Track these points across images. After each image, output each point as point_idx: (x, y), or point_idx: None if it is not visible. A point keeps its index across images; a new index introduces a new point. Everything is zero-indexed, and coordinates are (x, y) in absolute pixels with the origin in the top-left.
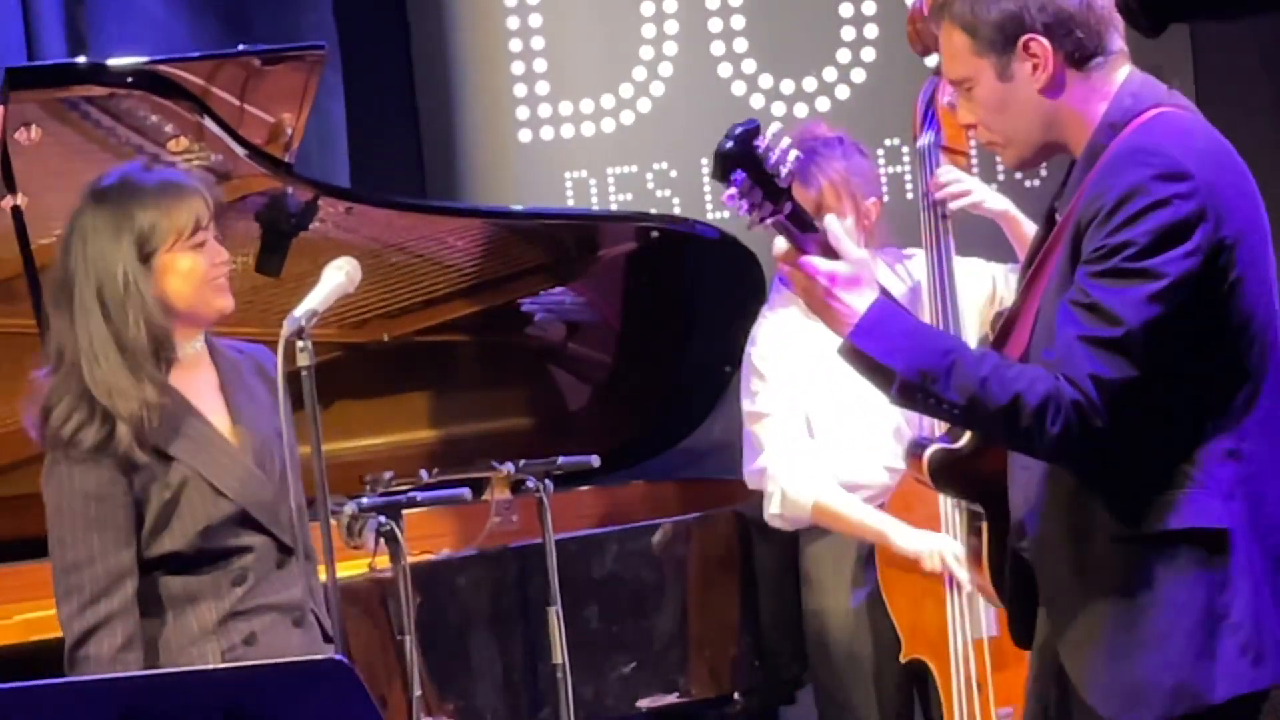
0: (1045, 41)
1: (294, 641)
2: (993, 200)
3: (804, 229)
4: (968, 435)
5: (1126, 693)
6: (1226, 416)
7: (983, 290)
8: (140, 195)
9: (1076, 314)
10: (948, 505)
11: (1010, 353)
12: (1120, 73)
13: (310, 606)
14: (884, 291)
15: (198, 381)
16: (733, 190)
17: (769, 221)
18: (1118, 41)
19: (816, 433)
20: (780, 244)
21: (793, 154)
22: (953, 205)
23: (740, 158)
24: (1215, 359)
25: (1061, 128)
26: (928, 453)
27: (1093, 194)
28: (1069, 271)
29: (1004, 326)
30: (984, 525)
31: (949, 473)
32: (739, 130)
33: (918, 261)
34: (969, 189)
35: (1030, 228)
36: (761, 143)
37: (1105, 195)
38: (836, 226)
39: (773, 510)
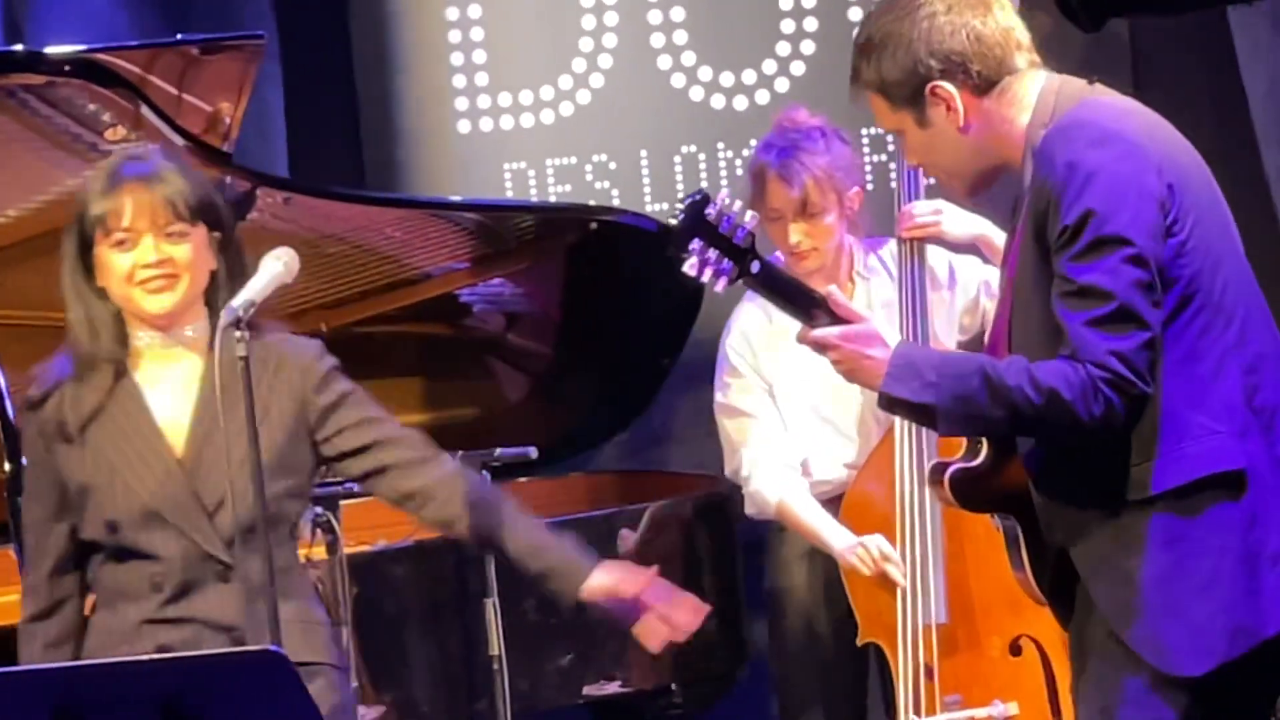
0: (947, 85)
1: None
2: (962, 226)
3: (779, 286)
4: (984, 451)
5: (1185, 644)
6: (1224, 358)
7: (970, 295)
8: (88, 184)
9: (1071, 304)
10: (902, 507)
11: (994, 352)
12: (1035, 81)
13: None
14: None
15: (163, 374)
16: (692, 260)
17: (739, 282)
18: (1021, 58)
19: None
20: (802, 330)
21: (748, 215)
22: (916, 234)
23: (693, 229)
24: (1196, 305)
25: (993, 151)
26: (948, 475)
27: (1037, 185)
28: (1038, 262)
29: (992, 333)
30: (1020, 534)
31: (972, 491)
32: (688, 201)
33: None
34: (936, 222)
35: None
36: (712, 210)
37: (1049, 180)
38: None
39: (747, 510)
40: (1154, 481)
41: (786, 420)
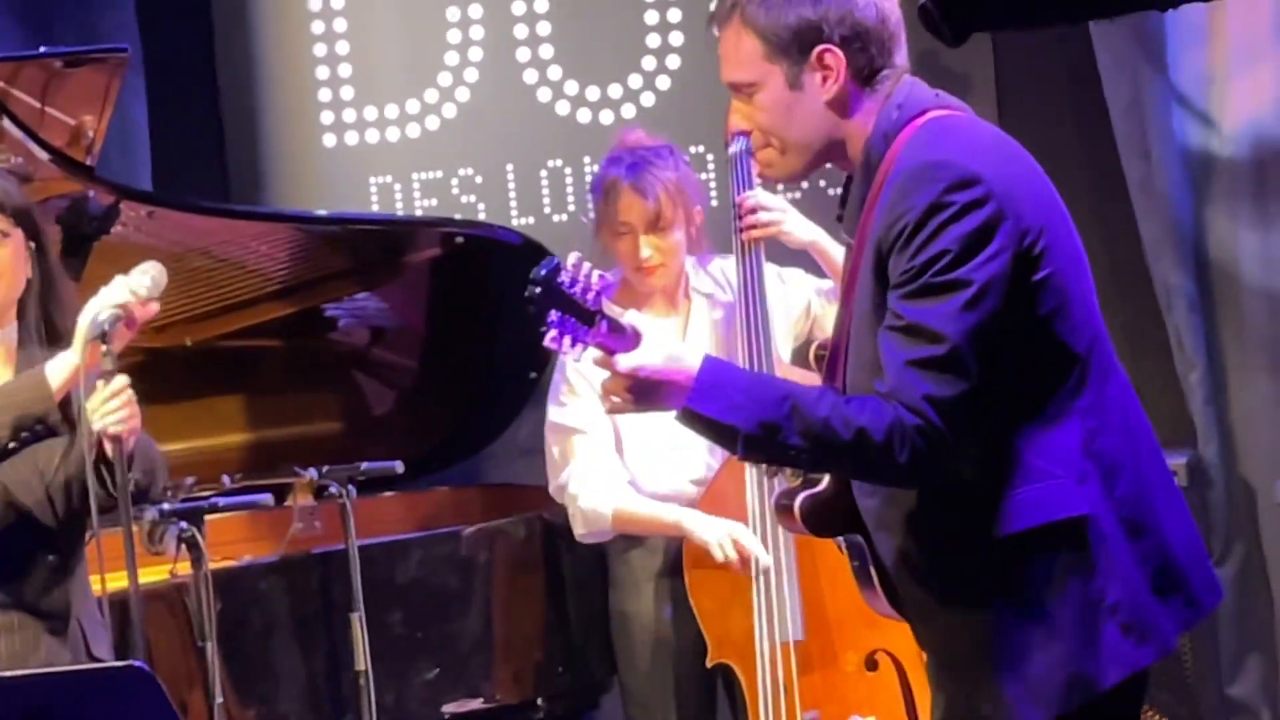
0: (840, 54)
1: (48, 653)
2: (801, 230)
3: (620, 337)
4: (826, 477)
5: (1024, 696)
6: (1063, 402)
7: (799, 303)
8: None
9: (896, 340)
10: (753, 525)
11: (836, 383)
12: (900, 86)
13: (79, 617)
14: None
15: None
16: (553, 332)
17: (591, 344)
18: (903, 56)
19: (626, 445)
20: (601, 358)
21: (595, 275)
22: (756, 235)
23: (549, 298)
24: (1041, 349)
25: (840, 141)
26: (798, 504)
27: (890, 217)
28: (876, 295)
29: (829, 359)
30: (867, 551)
31: (822, 516)
32: (541, 273)
33: (732, 265)
34: (777, 219)
35: (841, 254)
36: (566, 277)
37: (905, 217)
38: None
39: (579, 531)
40: (993, 527)
41: (633, 436)
